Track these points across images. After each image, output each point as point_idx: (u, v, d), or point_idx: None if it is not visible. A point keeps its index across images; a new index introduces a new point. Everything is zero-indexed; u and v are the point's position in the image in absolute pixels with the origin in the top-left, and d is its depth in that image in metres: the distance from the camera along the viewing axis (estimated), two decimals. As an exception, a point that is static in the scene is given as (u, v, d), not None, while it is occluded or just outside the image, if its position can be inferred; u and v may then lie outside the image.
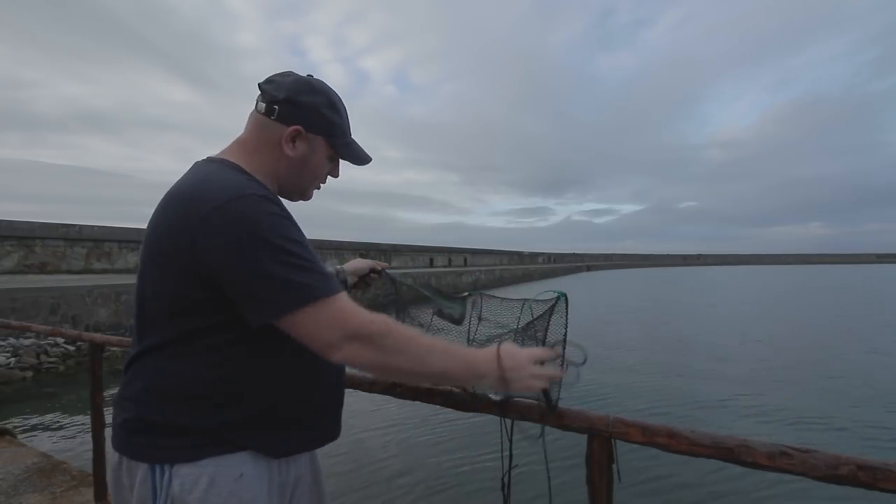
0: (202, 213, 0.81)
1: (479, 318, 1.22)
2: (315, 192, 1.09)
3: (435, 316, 1.28)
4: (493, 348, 0.93)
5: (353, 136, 1.07)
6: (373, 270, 1.45)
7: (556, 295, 1.07)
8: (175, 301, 0.86)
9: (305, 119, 0.96)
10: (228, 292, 0.83)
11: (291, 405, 0.95)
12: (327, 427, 1.05)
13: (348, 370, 1.47)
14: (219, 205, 0.81)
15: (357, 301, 1.41)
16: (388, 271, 1.46)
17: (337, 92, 1.03)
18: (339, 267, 1.44)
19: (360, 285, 1.44)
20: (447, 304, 1.27)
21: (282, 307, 0.82)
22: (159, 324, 0.88)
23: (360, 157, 1.07)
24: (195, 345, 0.87)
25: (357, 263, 1.45)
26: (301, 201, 1.09)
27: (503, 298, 1.19)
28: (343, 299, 0.86)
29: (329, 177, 1.09)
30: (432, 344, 0.90)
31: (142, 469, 0.85)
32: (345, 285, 1.41)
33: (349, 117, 1.06)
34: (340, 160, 1.07)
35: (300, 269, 0.83)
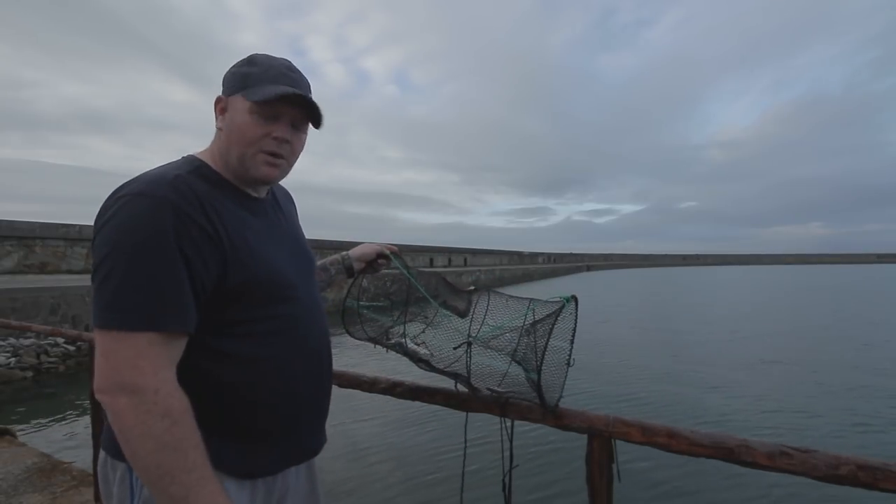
0: (102, 207, 0.81)
1: (485, 315, 1.21)
2: (272, 168, 0.92)
3: (440, 308, 1.28)
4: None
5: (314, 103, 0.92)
6: (381, 256, 1.37)
7: (563, 300, 1.08)
8: None
9: (225, 86, 0.92)
10: None
11: (260, 419, 0.89)
12: (305, 442, 0.99)
13: (346, 370, 1.47)
14: (112, 200, 0.80)
15: (363, 288, 1.38)
16: (397, 255, 1.37)
17: (285, 58, 0.94)
18: (344, 253, 1.39)
19: (368, 271, 1.38)
20: (453, 296, 1.27)
21: (95, 319, 0.76)
22: None
23: (268, 93, 0.87)
24: None
25: (364, 248, 1.38)
26: (261, 182, 0.94)
27: (510, 297, 1.18)
28: (156, 343, 0.75)
29: (279, 141, 0.91)
30: (181, 455, 0.73)
31: (121, 468, 0.85)
32: (350, 271, 1.36)
33: (290, 74, 0.92)
34: (282, 119, 0.91)
35: (129, 288, 0.74)
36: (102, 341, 0.75)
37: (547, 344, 1.03)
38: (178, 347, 0.80)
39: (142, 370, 0.74)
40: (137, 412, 0.72)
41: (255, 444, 0.90)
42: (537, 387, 1.05)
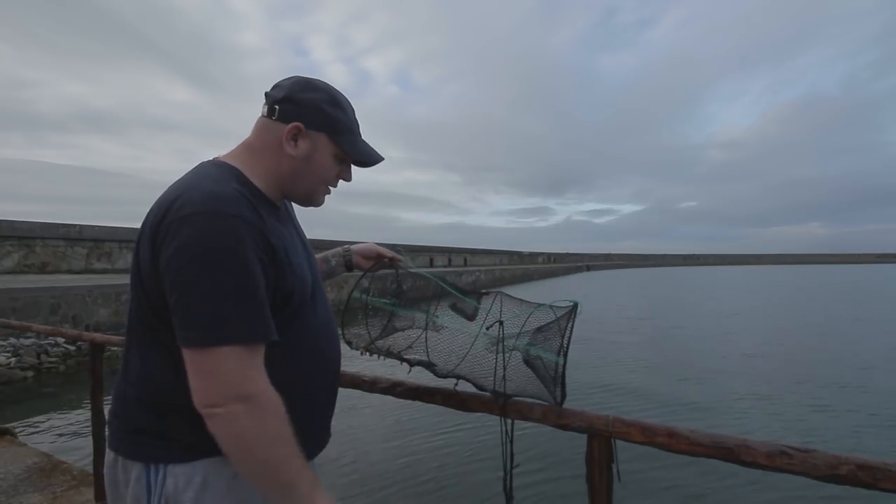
0: (169, 220, 0.80)
1: (488, 317, 1.21)
2: (327, 197, 1.04)
3: (437, 312, 1.27)
4: (317, 490, 0.85)
5: (363, 138, 1.02)
6: (381, 256, 1.36)
7: (571, 304, 1.11)
8: (153, 307, 0.85)
9: (305, 115, 0.93)
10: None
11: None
12: (319, 437, 1.06)
13: (346, 370, 1.46)
14: (185, 215, 0.79)
15: (365, 287, 1.36)
16: (401, 266, 1.36)
17: (342, 93, 0.99)
18: (346, 247, 1.39)
19: (375, 268, 1.36)
20: (461, 299, 1.26)
21: (189, 338, 0.78)
22: (145, 328, 0.88)
23: (368, 155, 1.00)
24: (179, 357, 0.84)
25: (366, 246, 1.38)
26: (310, 206, 1.04)
27: (522, 300, 1.19)
28: (254, 352, 0.81)
29: (341, 180, 1.03)
30: (289, 445, 0.82)
31: (136, 468, 0.86)
32: (349, 265, 1.37)
33: (357, 118, 1.01)
34: (348, 162, 1.01)
35: (226, 305, 0.78)
36: (206, 358, 0.78)
37: (569, 342, 1.08)
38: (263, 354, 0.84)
39: (252, 378, 0.80)
40: (254, 416, 0.79)
41: None
42: (561, 380, 1.09)
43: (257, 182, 0.93)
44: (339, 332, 1.28)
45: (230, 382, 0.78)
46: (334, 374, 1.07)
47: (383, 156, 1.02)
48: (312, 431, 1.02)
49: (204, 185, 0.84)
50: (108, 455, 0.90)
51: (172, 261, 0.78)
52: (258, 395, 0.80)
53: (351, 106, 1.00)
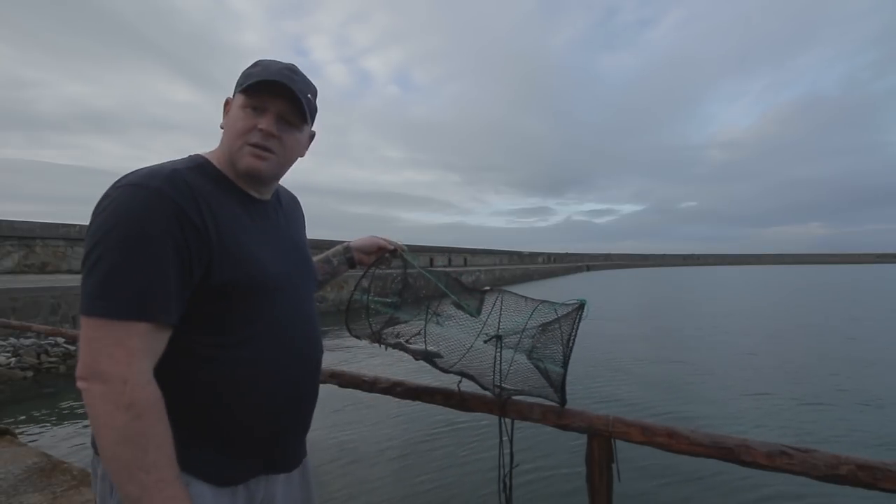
0: (101, 197, 0.81)
1: (493, 313, 1.21)
2: (256, 159, 0.91)
3: (439, 309, 1.26)
4: None
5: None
6: (382, 249, 1.34)
7: (578, 302, 1.10)
8: None
9: (234, 89, 0.95)
10: None
11: (239, 422, 0.88)
12: (283, 450, 0.97)
13: (346, 370, 1.46)
14: (110, 189, 0.80)
15: (364, 287, 1.35)
16: (404, 254, 1.34)
17: (291, 63, 0.96)
18: (346, 244, 1.37)
19: (376, 264, 1.34)
20: (465, 295, 1.25)
21: (80, 306, 0.77)
22: None
23: (252, 79, 0.89)
24: None
25: (366, 240, 1.35)
26: (247, 174, 0.93)
27: (525, 297, 1.18)
28: (129, 331, 0.75)
29: (264, 133, 0.90)
30: (141, 450, 0.72)
31: (101, 465, 0.84)
32: (351, 262, 1.35)
33: (288, 72, 0.93)
34: (269, 111, 0.91)
35: (114, 276, 0.74)
36: (85, 328, 0.76)
37: (574, 341, 1.07)
38: (158, 340, 0.79)
39: (116, 358, 0.74)
40: (105, 401, 0.73)
41: (233, 448, 0.88)
42: (562, 381, 1.08)
43: (222, 167, 0.94)
44: (347, 329, 1.28)
45: (94, 356, 0.74)
46: (309, 375, 1.00)
47: (279, 79, 0.89)
48: (274, 439, 0.95)
49: (151, 166, 0.86)
50: (93, 450, 0.89)
51: (88, 231, 0.79)
52: (114, 378, 0.73)
53: (280, 63, 0.95)
